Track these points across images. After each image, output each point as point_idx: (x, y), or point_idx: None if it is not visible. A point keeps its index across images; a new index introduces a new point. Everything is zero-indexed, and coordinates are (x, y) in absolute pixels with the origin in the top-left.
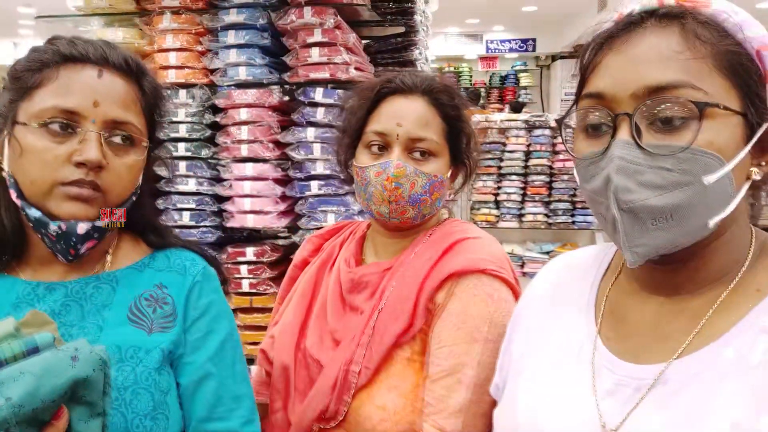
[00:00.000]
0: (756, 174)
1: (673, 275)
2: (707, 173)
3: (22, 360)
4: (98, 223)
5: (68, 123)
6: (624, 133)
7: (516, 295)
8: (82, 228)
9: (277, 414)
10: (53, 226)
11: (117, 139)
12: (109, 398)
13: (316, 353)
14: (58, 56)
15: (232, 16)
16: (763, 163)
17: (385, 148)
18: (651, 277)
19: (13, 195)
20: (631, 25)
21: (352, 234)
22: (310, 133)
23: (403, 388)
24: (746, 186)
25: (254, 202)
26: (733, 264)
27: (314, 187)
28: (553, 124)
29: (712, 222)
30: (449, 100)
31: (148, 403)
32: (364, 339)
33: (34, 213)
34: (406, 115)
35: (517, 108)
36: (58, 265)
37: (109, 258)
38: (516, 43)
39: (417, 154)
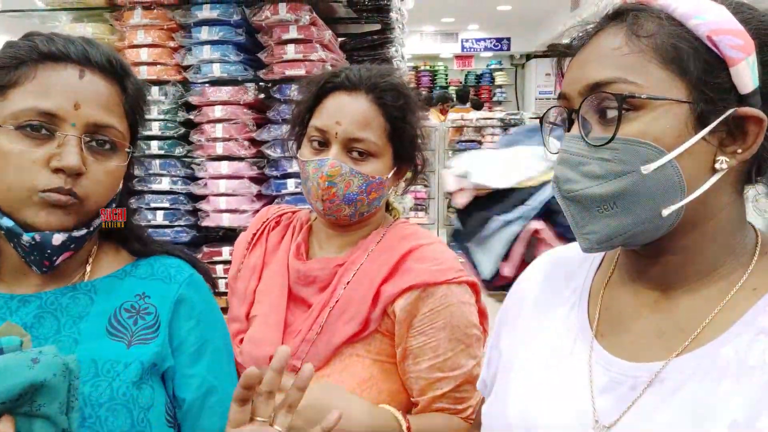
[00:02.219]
0: (722, 163)
1: (661, 269)
2: (645, 162)
3: None
4: (75, 234)
5: (47, 125)
6: (574, 128)
7: (477, 291)
8: (57, 239)
9: None
10: (26, 237)
11: (98, 144)
12: (75, 415)
13: (263, 350)
14: (37, 53)
15: (206, 12)
16: (740, 151)
17: (325, 144)
18: (640, 271)
19: None
20: (596, 29)
21: (295, 224)
22: (286, 130)
23: (349, 383)
24: (714, 177)
25: (230, 201)
26: (725, 260)
27: (291, 185)
28: (528, 122)
29: (666, 211)
30: (394, 100)
31: (125, 421)
32: (310, 335)
33: (5, 222)
34: (346, 114)
35: (464, 98)
36: (33, 276)
37: (88, 268)
38: (491, 42)
39: (355, 154)
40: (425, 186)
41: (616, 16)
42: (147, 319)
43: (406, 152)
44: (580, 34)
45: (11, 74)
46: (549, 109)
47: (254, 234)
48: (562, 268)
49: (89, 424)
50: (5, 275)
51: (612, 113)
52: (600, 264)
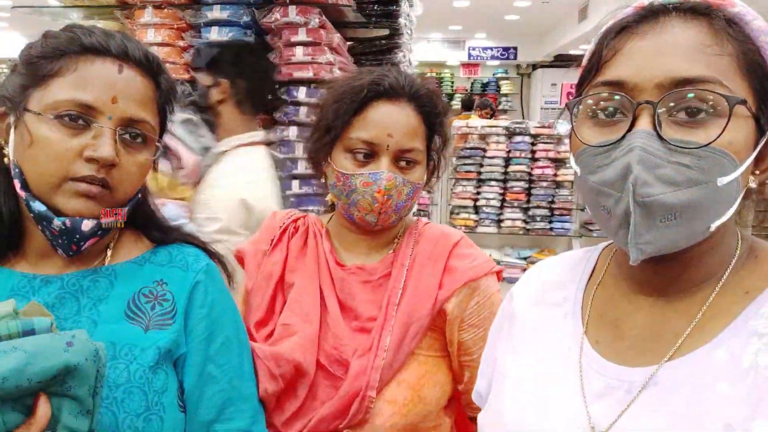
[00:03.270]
0: (752, 182)
1: (662, 275)
2: (722, 174)
3: (15, 340)
4: (103, 221)
5: (84, 116)
6: (645, 123)
7: (500, 278)
8: (86, 225)
9: (285, 416)
10: (57, 222)
11: (131, 137)
12: (100, 398)
13: (335, 367)
14: (78, 45)
15: (216, 13)
16: (758, 172)
17: (370, 155)
18: (639, 277)
19: (18, 186)
20: (655, 14)
21: (314, 230)
22: (293, 132)
23: (410, 381)
24: (743, 191)
25: None
26: (719, 265)
27: (295, 186)
28: (533, 131)
29: (714, 225)
30: (433, 107)
31: (140, 403)
32: (378, 362)
33: (38, 206)
34: (396, 125)
35: (469, 105)
36: (56, 258)
37: (109, 252)
38: (498, 51)
39: (403, 163)
40: (428, 192)
41: (690, 9)
42: (164, 306)
43: (438, 156)
44: (642, 13)
45: (53, 64)
46: (579, 94)
47: (272, 241)
48: (554, 277)
49: (106, 404)
50: (30, 255)
51: (703, 116)
52: (592, 272)
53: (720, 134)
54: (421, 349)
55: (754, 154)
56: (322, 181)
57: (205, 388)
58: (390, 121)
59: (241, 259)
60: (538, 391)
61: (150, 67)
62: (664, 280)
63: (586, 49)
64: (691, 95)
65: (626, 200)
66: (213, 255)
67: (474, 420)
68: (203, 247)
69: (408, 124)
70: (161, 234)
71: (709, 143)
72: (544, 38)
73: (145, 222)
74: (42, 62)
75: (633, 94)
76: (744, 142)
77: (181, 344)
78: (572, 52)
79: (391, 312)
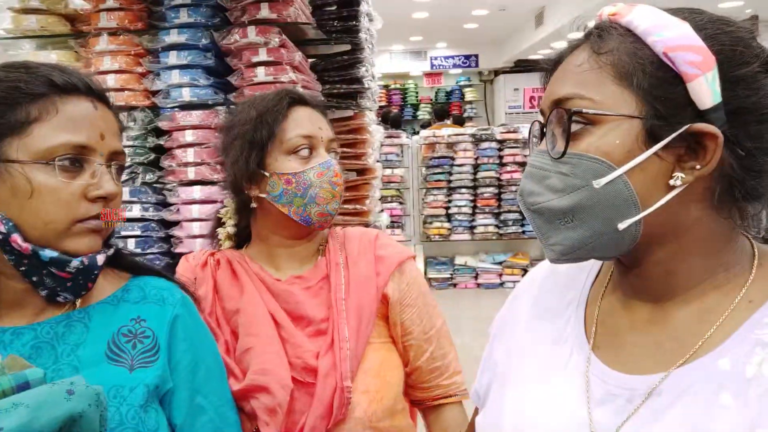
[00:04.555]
0: (677, 180)
1: (645, 282)
2: (596, 177)
3: (11, 396)
4: (109, 252)
5: (80, 158)
6: (543, 143)
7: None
8: (101, 259)
9: None
10: (76, 263)
11: (115, 170)
12: None
13: (304, 375)
14: (52, 87)
15: (173, 37)
16: (698, 167)
17: (310, 151)
18: (629, 284)
19: (19, 239)
20: (571, 48)
21: (235, 260)
22: None
23: (373, 369)
24: (672, 193)
25: (203, 226)
26: (714, 272)
27: None
28: (499, 137)
29: (622, 225)
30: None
31: None
32: (343, 354)
33: (49, 254)
34: (318, 121)
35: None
36: (26, 308)
37: None
38: (459, 59)
39: (333, 153)
40: (401, 203)
41: (589, 35)
42: (145, 343)
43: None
44: (559, 52)
45: (29, 109)
46: (533, 123)
47: (195, 279)
48: (557, 280)
49: None
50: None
51: (579, 127)
52: (598, 274)
53: (566, 144)
54: (373, 338)
55: (648, 152)
56: (253, 204)
57: (195, 420)
58: (313, 117)
59: None
60: (539, 396)
61: (107, 99)
62: (650, 285)
63: (544, 54)
64: (555, 115)
65: (523, 208)
66: (182, 286)
67: (416, 402)
68: (172, 279)
69: (322, 120)
70: (131, 264)
71: (564, 151)
72: (504, 45)
73: (114, 254)
74: (11, 109)
75: (543, 119)
76: (617, 143)
77: (167, 379)
78: (532, 57)
79: (340, 306)
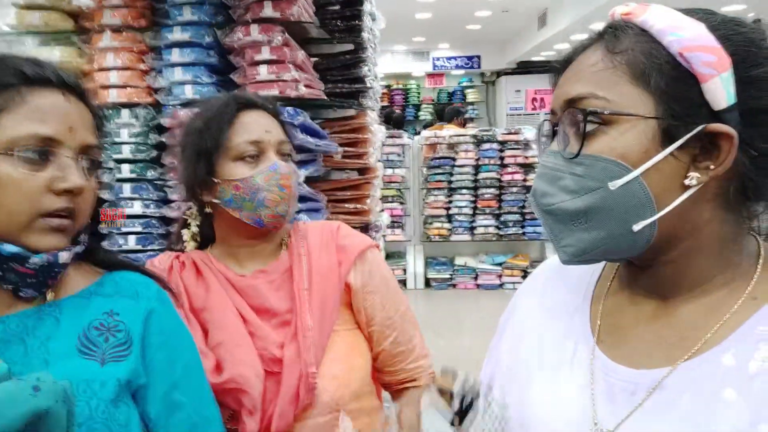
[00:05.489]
0: (693, 180)
1: (654, 280)
2: (612, 178)
3: None
4: (76, 250)
5: (46, 150)
6: (555, 142)
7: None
8: (64, 257)
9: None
10: (36, 260)
11: (88, 164)
12: None
13: (272, 365)
14: (21, 78)
15: (177, 34)
16: (712, 167)
17: (258, 156)
18: (636, 281)
19: None
20: (583, 47)
21: (201, 260)
22: None
23: (340, 356)
24: (687, 193)
25: None
26: (721, 270)
27: None
28: (500, 138)
29: (637, 227)
30: (279, 112)
31: None
32: (311, 340)
33: (9, 248)
34: (267, 124)
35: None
36: None
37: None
38: (462, 60)
39: (282, 156)
40: (401, 203)
41: (602, 35)
42: (118, 337)
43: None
44: (570, 51)
45: None
46: (542, 122)
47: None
48: (564, 277)
49: None
50: None
51: (594, 128)
52: (602, 272)
53: (581, 145)
54: (339, 325)
55: (665, 152)
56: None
57: (172, 415)
58: (261, 121)
59: None
60: (544, 389)
61: (82, 93)
62: (658, 283)
63: (547, 56)
64: (568, 115)
65: (534, 209)
66: (158, 280)
67: (385, 386)
68: (148, 273)
69: (272, 123)
70: (107, 256)
71: (578, 152)
72: (506, 46)
73: (90, 247)
74: None
75: (555, 119)
76: (631, 144)
77: (140, 374)
78: (534, 58)
79: (303, 296)
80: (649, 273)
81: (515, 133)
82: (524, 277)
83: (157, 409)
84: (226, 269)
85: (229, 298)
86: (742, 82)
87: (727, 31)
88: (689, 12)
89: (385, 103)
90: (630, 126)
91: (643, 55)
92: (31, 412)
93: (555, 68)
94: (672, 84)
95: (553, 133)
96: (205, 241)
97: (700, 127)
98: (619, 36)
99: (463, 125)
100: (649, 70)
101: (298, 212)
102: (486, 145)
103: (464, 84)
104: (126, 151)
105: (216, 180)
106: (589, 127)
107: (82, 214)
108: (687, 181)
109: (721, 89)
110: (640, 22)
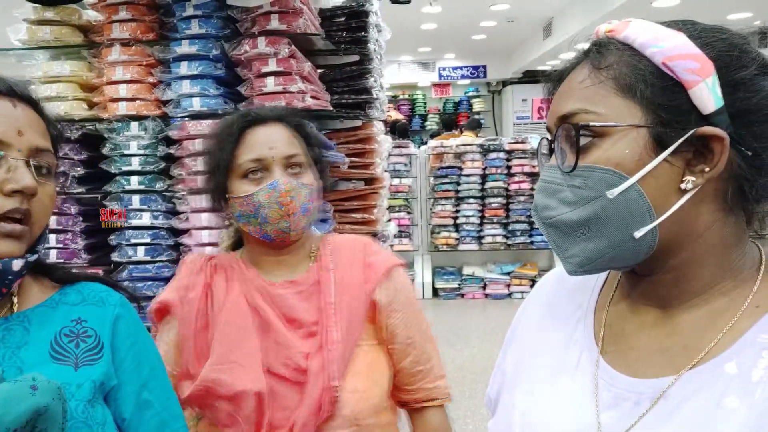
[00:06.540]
0: (688, 183)
1: (655, 287)
2: (609, 188)
3: None
4: (30, 258)
5: None
6: (552, 158)
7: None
8: (17, 265)
9: None
10: None
11: (40, 168)
12: None
13: (296, 375)
14: None
15: (185, 47)
16: (707, 170)
17: (262, 172)
18: (637, 289)
19: None
20: (572, 65)
21: (230, 265)
22: None
23: (362, 371)
24: (685, 197)
25: (212, 234)
26: (722, 277)
27: None
28: (507, 147)
29: (638, 233)
30: (300, 122)
31: None
32: (331, 353)
33: None
34: (274, 139)
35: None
36: None
37: (15, 299)
38: (468, 70)
39: (292, 170)
40: (408, 213)
41: (588, 53)
42: (88, 342)
43: (320, 161)
44: (560, 70)
45: None
46: (541, 140)
47: (194, 285)
48: (568, 287)
49: None
50: None
51: (587, 141)
52: (605, 281)
53: (576, 157)
54: (363, 340)
55: (658, 159)
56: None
57: (143, 414)
58: (267, 137)
59: (162, 311)
60: (548, 399)
61: (35, 103)
62: (661, 291)
63: (553, 65)
64: (562, 131)
65: (537, 223)
66: (118, 288)
67: (402, 404)
68: (109, 282)
69: (283, 135)
70: (63, 273)
71: (575, 164)
72: (512, 56)
73: (44, 264)
74: None
75: (550, 135)
76: (626, 153)
77: (112, 376)
78: (540, 67)
79: (330, 310)
80: (650, 281)
81: (522, 142)
82: (533, 286)
83: (131, 408)
84: (257, 276)
85: (256, 304)
86: (728, 85)
87: (708, 38)
88: (670, 24)
89: (389, 114)
90: (621, 136)
91: (627, 68)
92: (32, 409)
93: (548, 86)
94: (658, 93)
95: (551, 150)
96: (239, 241)
97: (690, 132)
98: (603, 52)
99: (476, 134)
100: (634, 82)
101: None
102: (493, 155)
103: (470, 93)
104: (135, 163)
105: (228, 196)
106: (583, 141)
107: (38, 220)
108: (683, 186)
109: (707, 94)
110: (623, 37)
